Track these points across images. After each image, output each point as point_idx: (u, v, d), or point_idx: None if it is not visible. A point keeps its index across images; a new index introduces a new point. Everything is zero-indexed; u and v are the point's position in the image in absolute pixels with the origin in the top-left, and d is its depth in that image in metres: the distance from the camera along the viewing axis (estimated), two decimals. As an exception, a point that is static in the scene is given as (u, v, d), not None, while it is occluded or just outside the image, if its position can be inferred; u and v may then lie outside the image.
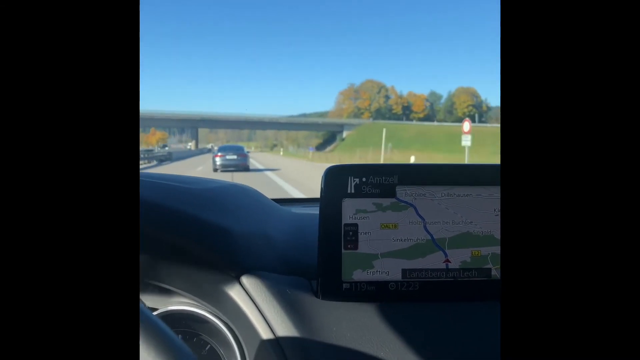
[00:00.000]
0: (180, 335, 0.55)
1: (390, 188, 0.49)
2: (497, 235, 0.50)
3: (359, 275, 0.49)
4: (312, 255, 0.51)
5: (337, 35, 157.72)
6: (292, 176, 13.04)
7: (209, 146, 63.80)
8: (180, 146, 72.03)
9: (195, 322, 0.55)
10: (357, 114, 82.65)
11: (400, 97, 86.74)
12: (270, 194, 0.74)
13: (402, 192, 0.49)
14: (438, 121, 77.92)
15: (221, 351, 0.55)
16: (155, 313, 0.54)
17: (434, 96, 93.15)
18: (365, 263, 0.49)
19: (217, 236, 0.50)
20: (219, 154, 15.64)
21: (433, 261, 0.50)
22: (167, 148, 43.98)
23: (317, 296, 0.49)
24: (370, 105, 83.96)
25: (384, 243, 0.49)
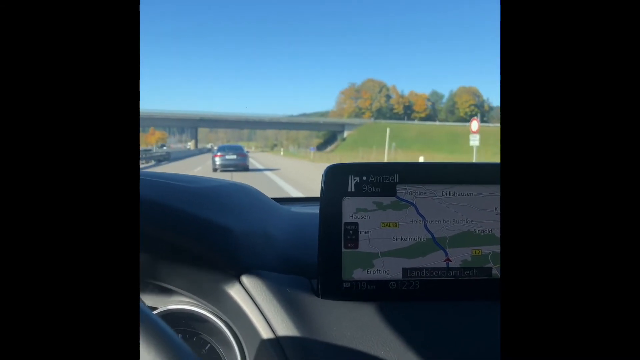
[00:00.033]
0: (180, 335, 0.55)
1: (391, 187, 0.49)
2: (498, 234, 0.50)
3: (359, 274, 0.49)
4: (312, 254, 0.51)
5: (337, 34, 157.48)
6: (293, 176, 12.91)
7: (209, 146, 63.55)
8: (180, 146, 71.76)
9: (195, 321, 0.55)
10: (358, 113, 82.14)
11: (402, 96, 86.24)
12: (271, 195, 0.74)
13: (403, 190, 0.49)
14: (440, 121, 77.47)
15: (221, 350, 0.55)
16: (154, 312, 0.53)
17: (435, 96, 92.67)
18: (365, 262, 0.49)
19: (217, 235, 0.50)
20: (219, 153, 15.64)
21: (433, 260, 0.50)
22: (165, 148, 43.59)
23: (317, 295, 0.49)
24: (371, 104, 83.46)
25: (385, 242, 0.49)
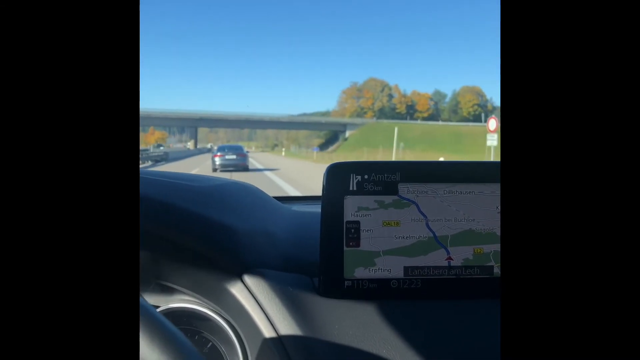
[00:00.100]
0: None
1: (392, 185, 0.49)
2: (500, 232, 0.50)
3: (360, 272, 0.49)
4: (313, 253, 0.51)
5: (339, 32, 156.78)
6: (294, 176, 12.71)
7: (209, 146, 63.03)
8: (180, 146, 71.32)
9: (197, 319, 0.55)
10: (360, 113, 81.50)
11: (404, 96, 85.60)
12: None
13: (404, 189, 0.50)
14: (443, 120, 76.73)
15: (223, 349, 0.55)
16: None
17: (438, 95, 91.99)
18: (367, 261, 0.49)
19: (219, 234, 0.50)
20: (218, 153, 15.71)
21: (435, 259, 0.50)
22: (162, 148, 42.73)
23: (319, 294, 0.49)
24: (373, 104, 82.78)
25: (386, 240, 0.49)
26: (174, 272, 0.52)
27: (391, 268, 0.49)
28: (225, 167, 14.71)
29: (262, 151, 61.37)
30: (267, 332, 0.47)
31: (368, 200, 0.49)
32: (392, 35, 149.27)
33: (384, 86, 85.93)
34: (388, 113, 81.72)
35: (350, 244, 0.49)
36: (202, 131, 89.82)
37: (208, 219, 0.51)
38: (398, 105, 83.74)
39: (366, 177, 0.49)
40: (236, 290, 0.49)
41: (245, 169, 15.24)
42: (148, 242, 0.49)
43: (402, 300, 0.49)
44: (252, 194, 0.64)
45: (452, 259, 0.50)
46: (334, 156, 36.54)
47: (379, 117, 75.68)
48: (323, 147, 63.75)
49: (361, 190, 0.49)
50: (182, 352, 0.24)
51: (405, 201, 0.49)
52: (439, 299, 0.49)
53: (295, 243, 0.56)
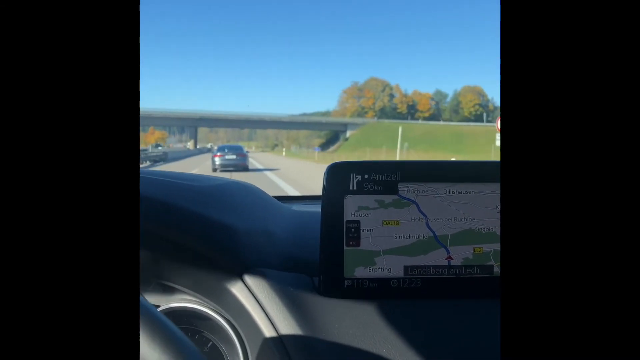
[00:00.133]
0: None
1: (393, 185, 0.50)
2: (499, 232, 0.50)
3: (361, 272, 0.49)
4: (313, 252, 0.51)
5: (339, 32, 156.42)
6: (294, 176, 12.61)
7: (209, 146, 62.78)
8: (180, 146, 71.11)
9: (197, 319, 0.55)
10: (361, 113, 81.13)
11: (405, 95, 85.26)
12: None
13: (404, 189, 0.50)
14: (444, 120, 76.32)
15: (223, 348, 0.55)
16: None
17: (439, 95, 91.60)
18: (367, 260, 0.49)
19: (220, 233, 0.51)
20: (218, 153, 15.74)
21: (435, 258, 0.50)
22: (160, 148, 42.33)
23: (319, 293, 0.49)
24: (374, 104, 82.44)
25: (386, 240, 0.50)
26: (174, 271, 0.52)
27: (391, 267, 0.50)
28: (225, 167, 14.72)
29: (262, 151, 61.05)
30: (267, 332, 0.47)
31: (368, 200, 0.49)
32: (393, 34, 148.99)
33: (385, 86, 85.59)
34: (389, 113, 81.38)
35: (351, 243, 0.49)
36: (202, 131, 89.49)
37: (208, 219, 0.51)
38: (399, 105, 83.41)
39: (366, 176, 0.49)
40: (236, 289, 0.50)
41: (245, 169, 15.26)
42: (148, 241, 0.49)
43: (402, 299, 0.49)
44: (252, 193, 0.64)
45: (452, 259, 0.50)
46: (335, 156, 36.15)
47: (379, 117, 75.35)
48: (324, 147, 63.42)
49: (361, 190, 0.49)
50: (182, 351, 0.24)
51: (405, 201, 0.50)
52: (439, 299, 0.49)
53: (296, 242, 0.56)
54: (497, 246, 0.50)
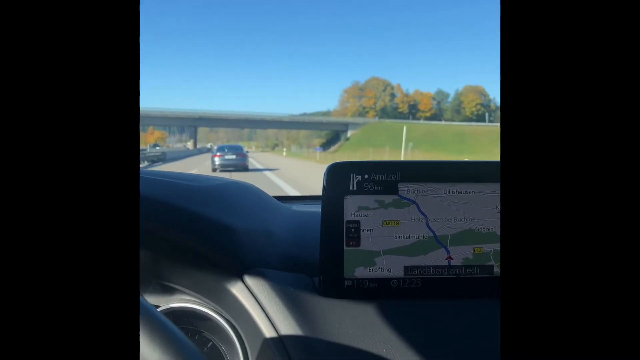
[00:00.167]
0: None
1: (393, 185, 0.50)
2: (499, 232, 0.50)
3: (361, 272, 0.49)
4: (313, 252, 0.51)
5: (340, 32, 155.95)
6: (294, 176, 12.50)
7: (209, 145, 62.47)
8: (179, 145, 70.76)
9: (197, 319, 0.55)
10: (362, 112, 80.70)
11: (407, 95, 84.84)
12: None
13: (404, 189, 0.50)
14: (445, 120, 75.87)
15: (223, 348, 0.55)
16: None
17: (441, 95, 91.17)
18: (367, 260, 0.49)
19: (220, 233, 0.51)
20: (218, 153, 15.70)
21: (435, 258, 0.50)
22: (158, 147, 41.89)
23: (319, 293, 0.49)
24: (375, 103, 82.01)
25: (386, 240, 0.50)
26: (174, 271, 0.52)
27: (391, 267, 0.50)
28: (225, 167, 14.67)
29: (262, 151, 60.69)
30: (267, 332, 0.47)
31: (368, 200, 0.49)
32: (394, 34, 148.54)
33: (386, 85, 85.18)
34: (390, 113, 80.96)
35: (351, 243, 0.49)
36: (202, 131, 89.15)
37: (208, 219, 0.51)
38: (400, 105, 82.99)
39: (366, 176, 0.49)
40: (236, 289, 0.49)
41: (245, 169, 15.22)
42: (148, 242, 0.49)
43: (402, 299, 0.49)
44: (252, 193, 0.64)
45: (452, 259, 0.50)
46: (337, 156, 35.77)
47: (381, 117, 74.95)
48: (324, 146, 62.98)
49: (361, 190, 0.49)
50: (182, 351, 0.24)
51: (405, 201, 0.50)
52: (439, 299, 0.49)
53: (296, 242, 0.56)
54: (497, 246, 0.50)
